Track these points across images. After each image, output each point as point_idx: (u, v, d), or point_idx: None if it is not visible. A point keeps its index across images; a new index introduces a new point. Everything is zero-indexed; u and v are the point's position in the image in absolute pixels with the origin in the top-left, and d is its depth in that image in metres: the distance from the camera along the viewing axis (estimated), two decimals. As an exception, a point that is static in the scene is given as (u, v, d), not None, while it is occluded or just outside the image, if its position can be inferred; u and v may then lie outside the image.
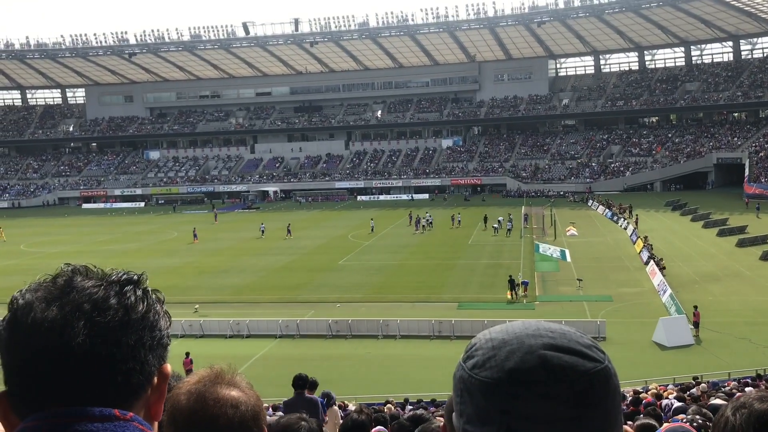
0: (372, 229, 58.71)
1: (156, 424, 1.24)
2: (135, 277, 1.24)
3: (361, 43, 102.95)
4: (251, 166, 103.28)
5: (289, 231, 57.14)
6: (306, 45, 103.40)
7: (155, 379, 1.21)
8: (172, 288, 36.12)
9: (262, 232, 57.93)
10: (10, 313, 1.16)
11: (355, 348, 27.99)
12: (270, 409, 14.98)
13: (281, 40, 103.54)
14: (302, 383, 9.27)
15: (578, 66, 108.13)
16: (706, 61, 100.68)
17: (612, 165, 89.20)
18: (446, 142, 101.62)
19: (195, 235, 56.82)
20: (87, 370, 1.12)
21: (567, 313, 30.80)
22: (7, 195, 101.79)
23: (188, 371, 20.73)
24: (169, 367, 1.25)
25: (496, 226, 55.88)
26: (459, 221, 60.27)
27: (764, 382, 17.88)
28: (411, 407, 15.91)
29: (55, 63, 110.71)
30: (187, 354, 23.53)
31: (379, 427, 5.72)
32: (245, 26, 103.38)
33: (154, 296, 1.26)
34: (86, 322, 1.12)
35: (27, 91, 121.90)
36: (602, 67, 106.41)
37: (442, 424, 1.06)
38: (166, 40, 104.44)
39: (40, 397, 1.12)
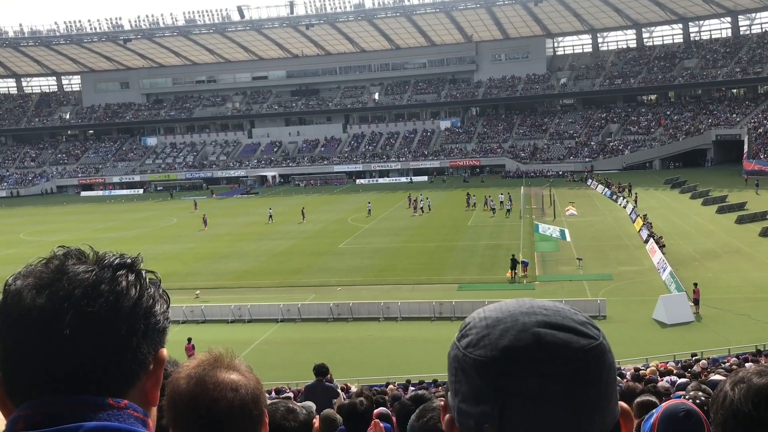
0: (369, 213, 58.69)
1: (154, 409, 1.21)
2: (128, 261, 1.20)
3: (357, 24, 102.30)
4: (249, 151, 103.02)
5: (303, 215, 57.62)
6: (301, 28, 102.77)
7: (150, 365, 1.17)
8: (172, 274, 36.18)
9: (270, 217, 57.88)
10: (1, 300, 1.14)
11: (357, 331, 28.13)
12: (273, 392, 15.05)
13: (276, 23, 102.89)
14: (322, 371, 10.08)
15: (576, 44, 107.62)
16: (704, 38, 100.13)
17: (611, 144, 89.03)
18: (444, 124, 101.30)
19: (205, 222, 56.53)
20: (77, 360, 1.09)
21: (567, 292, 30.91)
22: (5, 184, 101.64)
23: (190, 357, 20.84)
24: (165, 351, 1.21)
25: (494, 206, 55.78)
26: (474, 203, 59.51)
27: (764, 357, 17.97)
28: (413, 388, 15.99)
29: (50, 50, 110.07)
30: (189, 339, 23.69)
31: (381, 408, 5.75)
32: (240, 10, 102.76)
33: (148, 279, 1.21)
34: (75, 312, 1.09)
35: (22, 79, 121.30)
36: (600, 45, 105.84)
37: (443, 403, 1.16)
38: (161, 25, 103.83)
39: (32, 386, 1.10)
